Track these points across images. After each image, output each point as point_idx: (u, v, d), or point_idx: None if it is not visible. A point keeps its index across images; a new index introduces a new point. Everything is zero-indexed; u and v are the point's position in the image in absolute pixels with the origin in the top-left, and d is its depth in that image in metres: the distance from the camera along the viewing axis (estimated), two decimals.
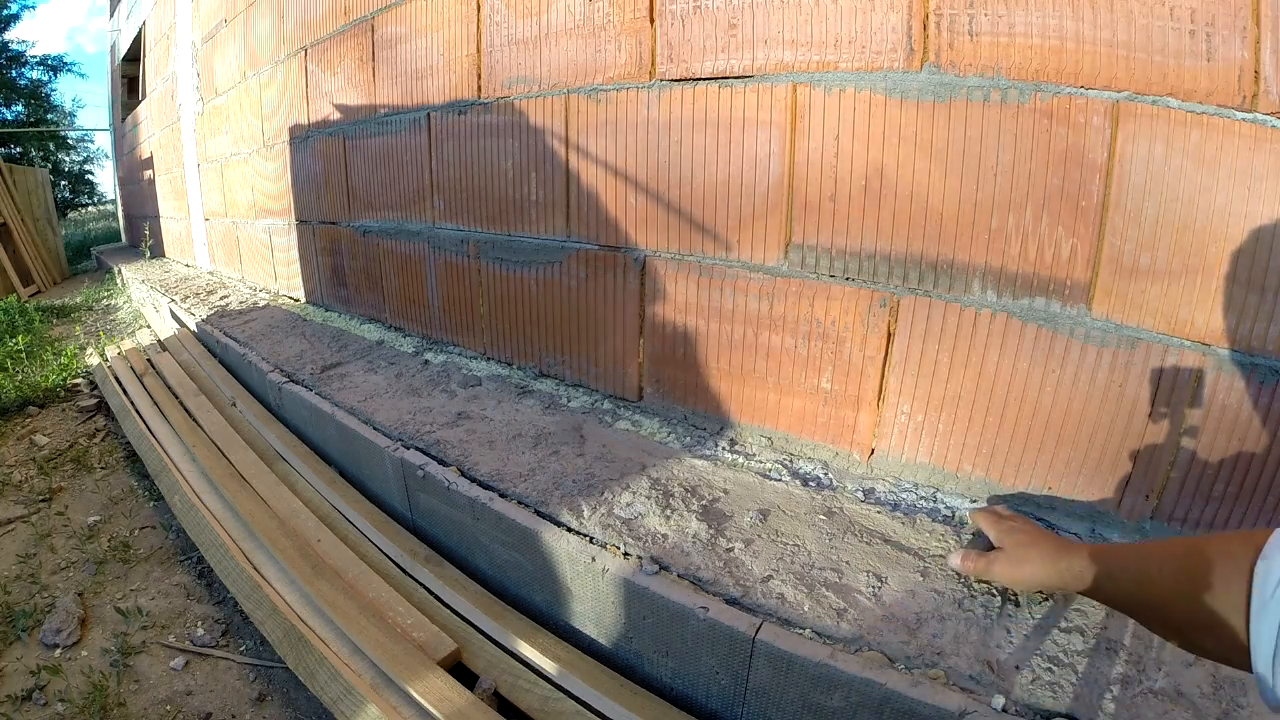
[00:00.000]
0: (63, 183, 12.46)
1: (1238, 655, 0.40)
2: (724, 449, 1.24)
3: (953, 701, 0.67)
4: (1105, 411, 0.91)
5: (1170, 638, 0.52)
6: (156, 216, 5.45)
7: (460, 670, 0.99)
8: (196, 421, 1.95)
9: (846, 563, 0.90)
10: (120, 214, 8.47)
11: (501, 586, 1.14)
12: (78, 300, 4.89)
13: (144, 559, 1.47)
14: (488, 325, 1.77)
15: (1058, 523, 0.96)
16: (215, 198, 3.72)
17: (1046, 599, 0.81)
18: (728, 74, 1.14)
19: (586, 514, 1.04)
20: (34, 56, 11.31)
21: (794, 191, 1.10)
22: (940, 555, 0.90)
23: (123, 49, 6.39)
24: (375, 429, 1.44)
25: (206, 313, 2.85)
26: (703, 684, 0.87)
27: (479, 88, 1.61)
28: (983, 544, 0.85)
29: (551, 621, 1.05)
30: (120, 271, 5.18)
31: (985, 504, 1.01)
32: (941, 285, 0.99)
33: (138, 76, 5.92)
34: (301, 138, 2.51)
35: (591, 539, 0.99)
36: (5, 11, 10.71)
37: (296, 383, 1.81)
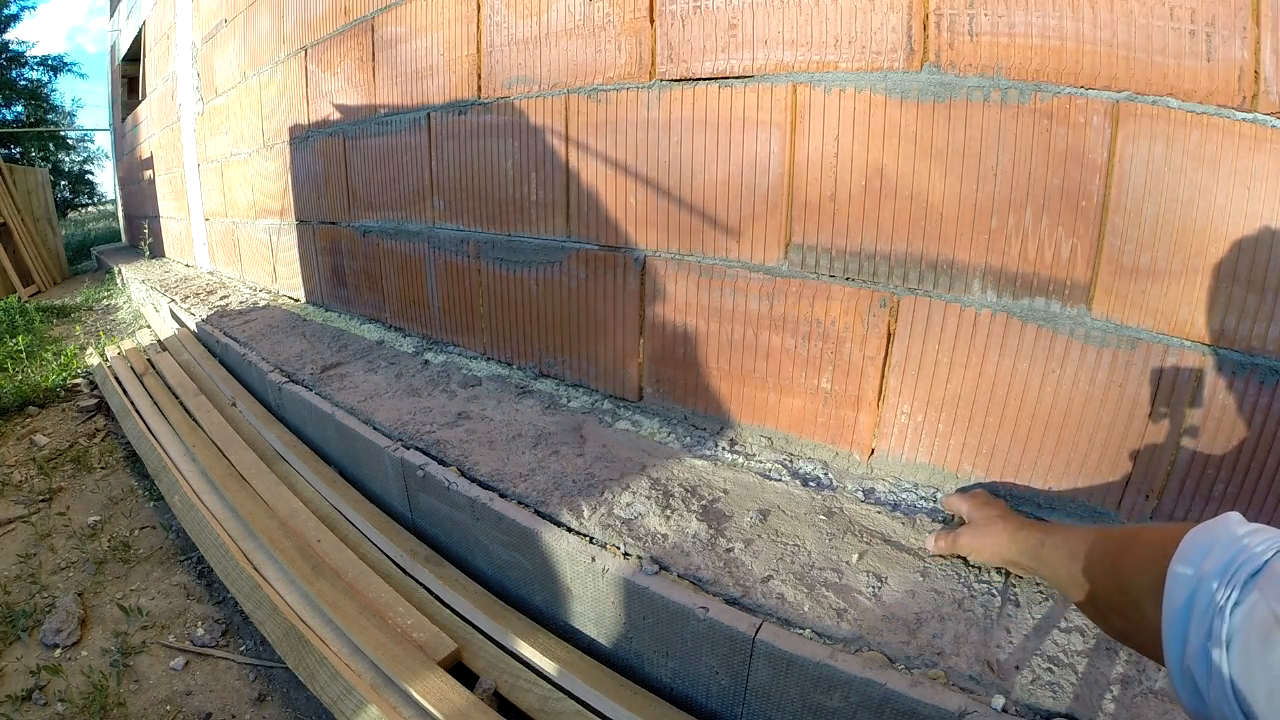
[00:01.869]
0: (63, 183, 12.47)
1: (1145, 641, 0.43)
2: (724, 449, 1.24)
3: (953, 701, 0.67)
4: (1105, 411, 0.91)
5: (1092, 618, 0.55)
6: (156, 216, 5.45)
7: (460, 670, 0.99)
8: (196, 421, 1.95)
9: (846, 563, 0.90)
10: (120, 214, 8.47)
11: (501, 586, 1.14)
12: (78, 300, 4.89)
13: (144, 559, 1.47)
14: (488, 325, 1.77)
15: (1058, 522, 0.96)
16: (215, 198, 3.72)
17: (1046, 599, 0.81)
18: (728, 74, 1.14)
19: (586, 514, 1.04)
20: (34, 57, 11.33)
21: (794, 191, 1.10)
22: (941, 555, 0.90)
23: (123, 49, 6.39)
24: (375, 429, 1.44)
25: (206, 313, 2.85)
26: (703, 684, 0.87)
27: (479, 88, 1.61)
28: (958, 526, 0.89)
29: (551, 621, 1.05)
30: (120, 271, 5.18)
31: (962, 487, 1.00)
32: (941, 285, 0.99)
33: (138, 76, 5.92)
34: (301, 138, 2.51)
35: (591, 539, 0.99)
36: (5, 12, 10.71)
37: (296, 383, 1.81)
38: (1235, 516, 0.40)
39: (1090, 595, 0.54)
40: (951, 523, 0.96)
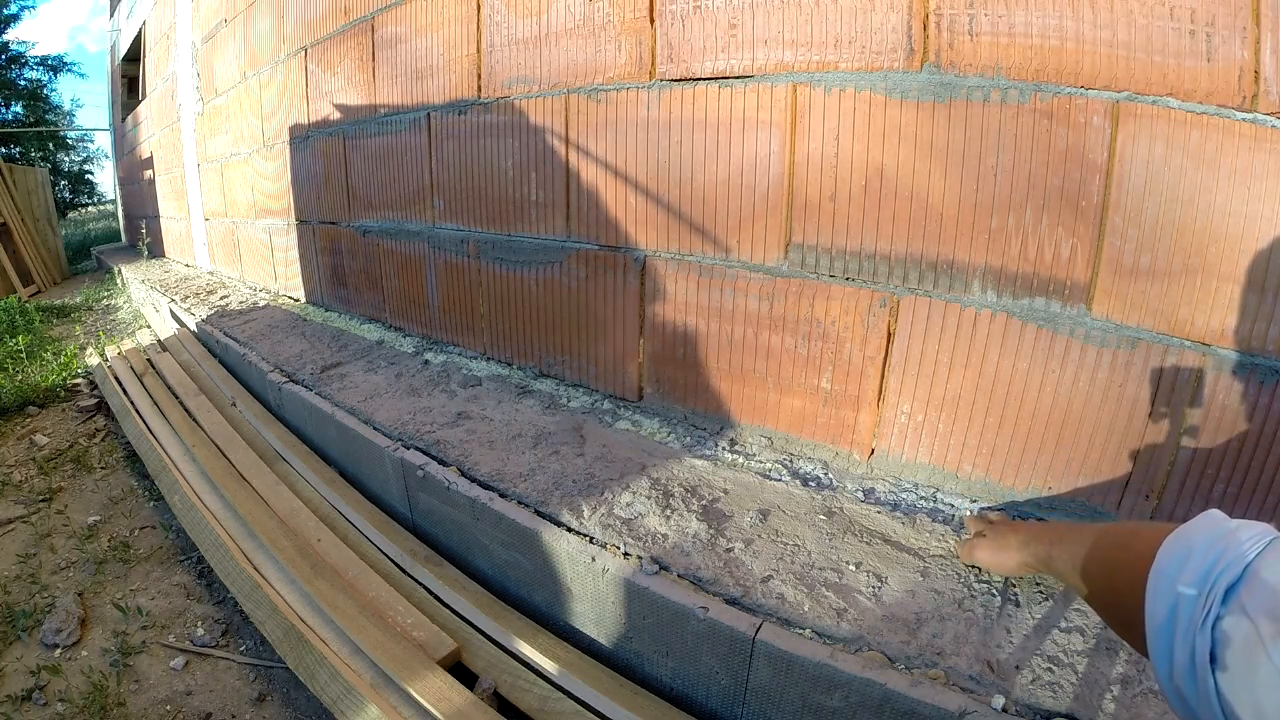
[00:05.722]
0: (63, 183, 12.46)
1: (1145, 646, 0.41)
2: (724, 449, 1.24)
3: (953, 701, 0.67)
4: (1105, 412, 0.91)
5: (1104, 620, 0.53)
6: (156, 216, 5.45)
7: (460, 670, 0.99)
8: (196, 421, 1.94)
9: (846, 563, 0.90)
10: (120, 214, 8.46)
11: (501, 586, 1.14)
12: (78, 300, 4.89)
13: (144, 559, 1.47)
14: (488, 325, 1.77)
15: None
16: (215, 198, 3.72)
17: (1046, 599, 0.81)
18: (728, 74, 1.14)
19: (586, 514, 1.04)
20: (34, 56, 11.32)
21: (794, 191, 1.10)
22: (940, 555, 0.90)
23: (123, 49, 6.39)
24: (375, 429, 1.44)
25: (206, 313, 2.85)
26: (703, 684, 0.87)
27: (479, 88, 1.61)
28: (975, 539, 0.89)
29: (551, 621, 1.05)
30: (120, 271, 5.18)
31: (984, 508, 1.01)
32: (941, 285, 0.99)
33: (138, 76, 5.91)
34: (301, 137, 2.51)
35: (591, 539, 0.99)
36: (5, 11, 10.71)
37: (296, 383, 1.81)
38: (1213, 516, 0.38)
39: (1093, 601, 0.55)
40: (967, 532, 0.96)
